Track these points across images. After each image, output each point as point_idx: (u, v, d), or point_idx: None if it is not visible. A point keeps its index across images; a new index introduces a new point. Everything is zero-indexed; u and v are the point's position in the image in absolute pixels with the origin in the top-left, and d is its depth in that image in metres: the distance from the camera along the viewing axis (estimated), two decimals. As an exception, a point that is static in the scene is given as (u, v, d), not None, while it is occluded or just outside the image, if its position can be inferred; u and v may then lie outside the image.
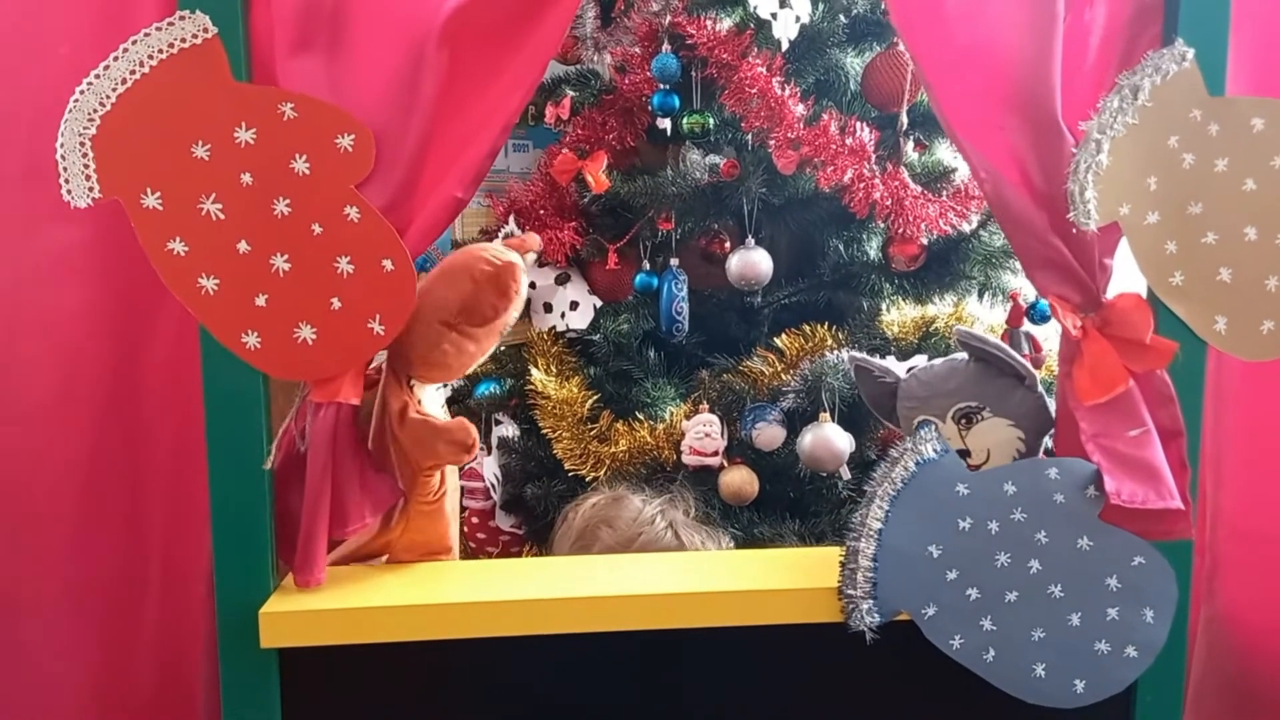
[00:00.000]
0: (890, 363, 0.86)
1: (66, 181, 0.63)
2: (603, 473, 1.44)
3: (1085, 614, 0.72)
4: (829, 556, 0.73)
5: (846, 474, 1.35)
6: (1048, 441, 0.80)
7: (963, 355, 0.83)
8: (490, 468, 1.63)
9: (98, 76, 0.62)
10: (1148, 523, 0.71)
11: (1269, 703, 0.84)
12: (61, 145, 0.62)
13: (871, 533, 0.71)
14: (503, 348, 1.60)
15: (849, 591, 0.71)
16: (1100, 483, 0.70)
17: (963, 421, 0.79)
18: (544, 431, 1.52)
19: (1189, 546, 0.73)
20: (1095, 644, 0.72)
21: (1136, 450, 0.70)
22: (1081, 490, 0.71)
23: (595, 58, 1.68)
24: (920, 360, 0.86)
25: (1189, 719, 0.82)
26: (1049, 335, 1.47)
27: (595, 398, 1.52)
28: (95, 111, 0.62)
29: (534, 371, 1.52)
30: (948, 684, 0.72)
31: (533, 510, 1.57)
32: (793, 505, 1.44)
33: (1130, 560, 0.72)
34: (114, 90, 0.62)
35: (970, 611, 0.71)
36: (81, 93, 0.62)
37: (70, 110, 0.62)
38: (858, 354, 0.87)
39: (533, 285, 1.61)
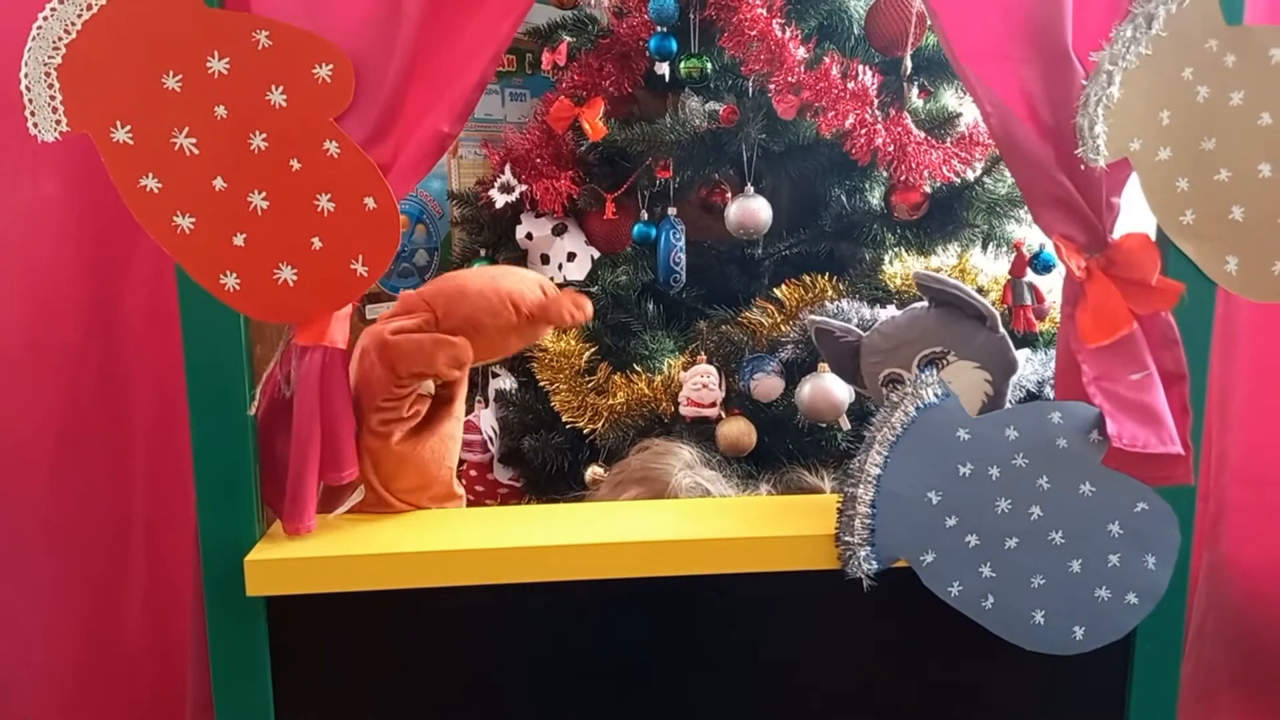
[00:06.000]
0: (850, 324, 0.85)
1: (32, 114, 0.60)
2: (600, 425, 1.43)
3: (1086, 560, 0.70)
4: (826, 503, 0.71)
5: (846, 425, 1.34)
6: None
7: (923, 304, 0.82)
8: (488, 420, 1.62)
9: (61, 1, 0.59)
10: (1148, 468, 0.69)
11: (1271, 649, 0.83)
12: (26, 76, 0.59)
13: (870, 478, 0.69)
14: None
15: (846, 538, 0.69)
16: (1103, 427, 0.68)
17: (929, 368, 0.77)
18: (541, 384, 1.50)
19: (1192, 493, 0.72)
20: (1096, 591, 0.71)
21: (1138, 394, 0.68)
22: (1084, 435, 0.69)
23: (593, 1, 1.64)
24: (884, 314, 0.85)
25: (1187, 666, 0.81)
26: (1052, 286, 1.45)
27: (593, 350, 1.50)
28: (60, 39, 0.59)
29: (530, 323, 1.51)
30: (946, 631, 0.71)
31: (530, 463, 1.57)
32: (792, 458, 1.43)
33: (1133, 506, 0.70)
34: (79, 16, 0.59)
35: (969, 558, 0.70)
36: (45, 19, 0.59)
37: (34, 38, 0.59)
38: (816, 317, 0.86)
39: (529, 236, 1.59)
